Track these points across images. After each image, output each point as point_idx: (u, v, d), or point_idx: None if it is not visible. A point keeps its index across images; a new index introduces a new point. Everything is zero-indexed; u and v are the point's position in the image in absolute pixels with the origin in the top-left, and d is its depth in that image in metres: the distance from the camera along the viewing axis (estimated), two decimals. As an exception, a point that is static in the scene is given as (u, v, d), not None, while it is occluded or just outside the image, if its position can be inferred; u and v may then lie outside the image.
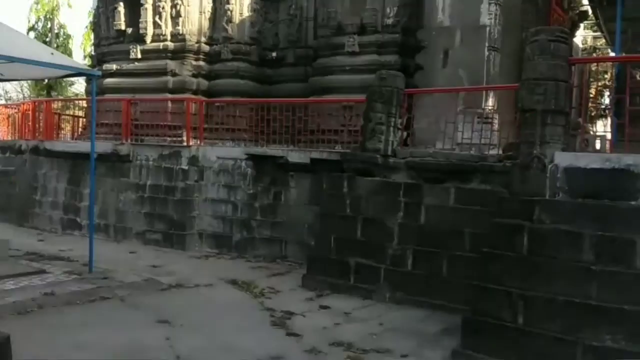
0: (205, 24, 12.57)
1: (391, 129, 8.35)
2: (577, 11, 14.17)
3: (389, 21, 10.91)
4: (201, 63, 12.51)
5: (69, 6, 25.23)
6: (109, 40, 13.26)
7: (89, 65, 14.58)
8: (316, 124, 10.66)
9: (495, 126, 8.93)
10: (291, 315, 6.80)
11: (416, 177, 7.88)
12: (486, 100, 9.45)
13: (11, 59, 7.49)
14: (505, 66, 10.53)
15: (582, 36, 17.65)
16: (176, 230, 10.84)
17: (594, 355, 4.93)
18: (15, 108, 15.06)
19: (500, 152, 8.07)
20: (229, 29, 12.33)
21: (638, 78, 8.17)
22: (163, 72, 12.33)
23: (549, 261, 5.40)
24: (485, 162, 7.54)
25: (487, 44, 9.94)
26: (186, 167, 10.92)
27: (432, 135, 8.42)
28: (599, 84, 17.12)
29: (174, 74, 12.33)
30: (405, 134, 9.06)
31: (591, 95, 12.22)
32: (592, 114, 16.05)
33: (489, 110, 9.25)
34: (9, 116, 14.97)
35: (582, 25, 15.83)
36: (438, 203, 7.60)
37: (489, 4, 9.99)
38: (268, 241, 10.39)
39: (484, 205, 7.03)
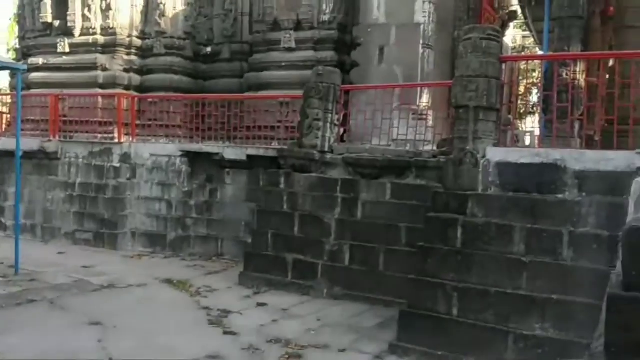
0: (137, 17, 12.22)
1: (328, 125, 8.38)
2: (507, 11, 14.59)
3: (325, 17, 10.91)
4: (133, 58, 12.16)
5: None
6: (35, 33, 12.69)
7: (13, 59, 13.93)
8: (252, 120, 10.56)
9: (430, 122, 9.07)
10: (228, 314, 6.71)
11: (353, 173, 7.92)
12: (421, 97, 9.59)
13: None
14: (439, 63, 10.73)
15: (512, 35, 18.20)
16: (108, 230, 10.52)
17: (524, 344, 5.08)
18: None
19: (435, 147, 8.23)
20: (162, 23, 12.02)
21: (564, 76, 8.48)
22: (93, 66, 11.91)
23: (482, 254, 5.54)
24: (420, 157, 7.66)
25: (421, 42, 10.07)
26: (118, 165, 10.61)
27: (369, 131, 8.47)
28: (528, 81, 17.71)
29: (105, 69, 11.93)
30: (342, 130, 9.09)
31: (521, 93, 12.60)
32: (522, 110, 16.59)
33: (424, 106, 9.39)
34: None
35: (511, 24, 16.31)
36: (374, 198, 7.67)
37: (423, 2, 10.12)
38: (204, 239, 10.23)
39: (419, 200, 7.15)
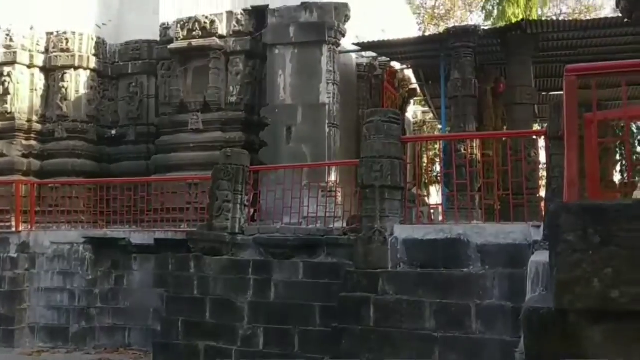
0: (38, 101, 11.88)
1: (238, 206, 8.33)
2: (407, 89, 15.37)
3: (232, 99, 11.05)
4: (33, 142, 11.72)
5: None
6: None
7: None
8: (160, 202, 10.33)
9: (339, 199, 9.23)
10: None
11: (265, 253, 7.86)
12: (329, 174, 9.78)
13: None
14: (345, 141, 11.08)
15: (413, 111, 19.13)
16: (3, 326, 9.75)
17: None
18: None
19: (345, 224, 8.34)
20: (64, 107, 11.74)
21: (462, 151, 8.96)
22: (-11, 152, 11.37)
23: (395, 331, 5.57)
24: (330, 235, 7.72)
25: (327, 121, 10.37)
26: (15, 255, 9.99)
27: (279, 210, 8.49)
28: (430, 153, 18.54)
29: (2, 155, 11.42)
30: (252, 210, 9.06)
31: (424, 164, 13.16)
32: (426, 181, 17.21)
33: (332, 184, 9.57)
34: None
35: (412, 101, 17.16)
36: (287, 278, 7.60)
37: (327, 83, 10.50)
38: (110, 330, 9.70)
39: (332, 279, 7.15)
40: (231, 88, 11.07)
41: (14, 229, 10.29)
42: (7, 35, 11.71)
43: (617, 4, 7.60)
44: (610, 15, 20.71)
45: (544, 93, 14.94)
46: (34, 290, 9.96)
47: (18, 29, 11.77)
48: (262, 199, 9.28)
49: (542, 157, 9.14)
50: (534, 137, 9.18)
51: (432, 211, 8.02)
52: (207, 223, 8.44)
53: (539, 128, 15.90)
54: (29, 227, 10.40)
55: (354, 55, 12.46)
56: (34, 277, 10.01)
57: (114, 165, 12.14)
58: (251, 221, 8.94)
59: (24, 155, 11.56)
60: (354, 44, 11.79)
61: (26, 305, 9.92)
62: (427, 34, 25.03)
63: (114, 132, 12.24)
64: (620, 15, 8.89)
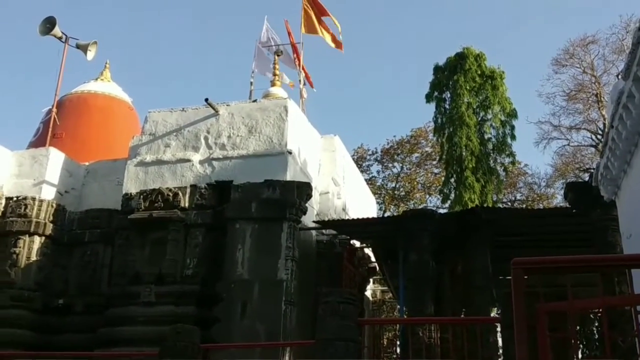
0: (-14, 266, 11.47)
1: (183, 388, 7.76)
2: (367, 267, 15.38)
3: (189, 272, 10.85)
4: (-27, 310, 11.11)
5: None
6: None
7: None
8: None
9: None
10: None
11: None
12: (283, 355, 9.36)
13: None
14: (302, 319, 10.75)
15: (372, 290, 19.03)
16: None
17: None
18: None
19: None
20: (12, 273, 11.35)
21: (420, 334, 8.76)
22: None
23: None
24: None
25: (284, 298, 10.16)
26: None
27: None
28: (390, 334, 18.14)
29: None
30: (199, 392, 8.45)
31: (383, 345, 12.78)
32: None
33: (286, 365, 9.13)
34: None
35: (371, 279, 17.11)
36: None
37: (286, 259, 10.46)
38: None
39: None
40: (188, 260, 10.92)
41: None
42: (-39, 197, 11.59)
43: (565, 196, 7.98)
44: (560, 204, 21.88)
45: (500, 277, 15.10)
46: None
47: (-25, 192, 11.69)
48: (212, 379, 8.73)
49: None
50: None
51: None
52: (149, 406, 7.80)
53: (497, 311, 15.85)
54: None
55: (314, 232, 12.60)
56: None
57: (57, 336, 11.46)
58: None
59: (-39, 324, 10.88)
60: (314, 221, 11.97)
61: None
62: (387, 214, 25.88)
63: (61, 301, 11.75)
64: (568, 205, 9.32)
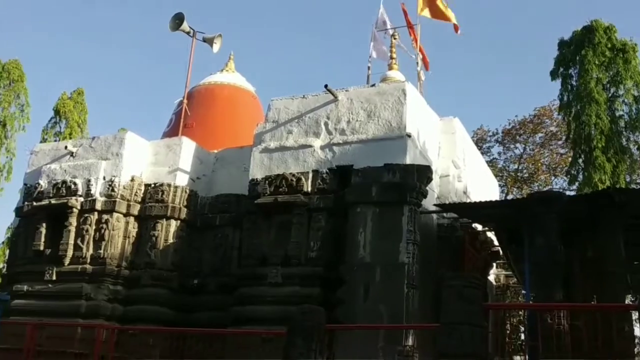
0: (129, 248, 12.53)
1: (311, 365, 8.07)
2: (489, 251, 15.04)
3: (313, 254, 11.17)
4: (119, 287, 12.19)
5: (-10, 224, 24.83)
6: (25, 260, 12.87)
7: (-1, 284, 13.91)
8: (234, 355, 10.20)
9: (416, 364, 8.82)
10: None
11: (336, 420, 7.46)
12: (406, 337, 9.44)
13: None
14: (424, 303, 10.76)
15: (496, 274, 18.56)
16: None
17: None
18: None
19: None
20: (152, 254, 12.29)
21: (549, 321, 8.48)
22: (77, 295, 11.87)
23: None
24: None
25: (405, 281, 10.21)
26: (86, 402, 10.00)
27: (354, 372, 8.19)
28: (514, 320, 17.62)
29: (89, 298, 11.88)
30: (326, 371, 8.76)
31: (507, 332, 12.50)
32: (510, 349, 16.25)
33: (409, 348, 9.19)
34: None
35: (494, 264, 16.71)
36: None
37: (407, 243, 10.48)
38: None
39: None
40: (312, 243, 11.24)
41: (89, 374, 10.37)
42: (110, 185, 12.69)
43: None
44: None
45: (635, 262, 14.21)
46: None
47: (120, 180, 12.73)
48: (336, 358, 8.99)
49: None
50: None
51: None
52: (279, 381, 8.18)
53: (632, 298, 14.95)
54: (104, 374, 10.44)
55: (434, 215, 12.51)
56: None
57: (193, 314, 12.28)
58: (324, 383, 8.60)
59: (109, 300, 11.99)
60: (435, 205, 11.88)
61: None
62: (509, 197, 25.06)
63: (196, 281, 12.54)
64: None
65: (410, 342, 9.38)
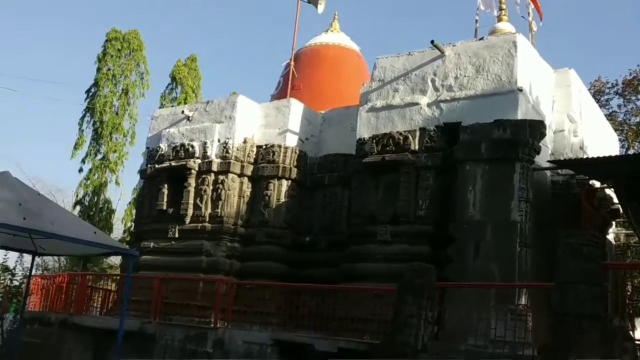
0: (244, 207, 13.12)
1: (422, 322, 8.17)
2: (608, 209, 14.32)
3: (421, 213, 11.18)
4: (236, 245, 12.85)
5: (117, 184, 26.66)
6: (150, 219, 13.83)
7: (127, 241, 15.06)
8: (345, 311, 10.52)
9: (530, 324, 8.68)
10: None
11: (448, 375, 7.56)
12: (519, 297, 9.29)
13: (52, 236, 7.76)
14: (538, 262, 10.49)
15: (615, 233, 17.68)
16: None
17: None
18: (50, 279, 15.34)
19: (535, 353, 7.78)
20: (266, 213, 12.81)
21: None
22: (198, 252, 12.65)
23: None
24: (520, 363, 7.24)
25: (518, 240, 10.00)
26: (211, 351, 10.70)
27: (464, 330, 8.22)
28: (635, 281, 16.79)
29: (209, 254, 12.63)
30: (436, 327, 8.85)
31: (628, 292, 11.95)
32: (630, 312, 15.56)
33: (522, 307, 9.05)
34: (43, 287, 15.19)
35: (614, 222, 15.91)
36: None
37: (520, 200, 10.22)
38: None
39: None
40: (420, 202, 11.24)
41: (212, 325, 11.09)
42: (224, 147, 13.27)
43: None
44: None
45: None
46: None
47: (233, 142, 13.30)
48: (447, 317, 9.05)
49: None
50: None
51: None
52: (390, 337, 8.38)
53: None
54: (225, 324, 11.13)
55: (548, 172, 12.06)
56: (226, 373, 10.56)
57: (305, 270, 12.72)
58: (435, 339, 8.70)
59: (227, 256, 12.69)
60: (549, 161, 11.44)
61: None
62: (630, 151, 23.55)
63: (308, 239, 12.96)
64: None
65: (523, 301, 9.23)
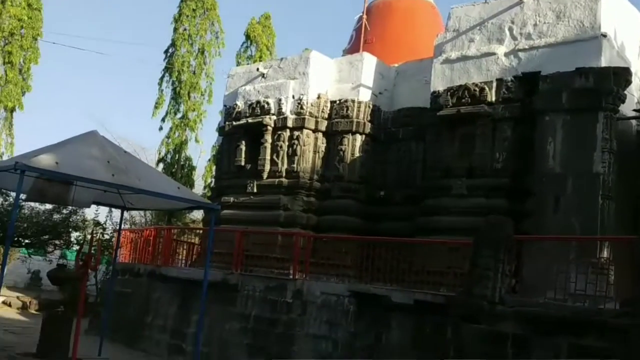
0: (319, 162, 13.32)
1: (499, 275, 8.17)
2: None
3: (498, 165, 11.00)
4: (312, 199, 13.11)
5: (197, 141, 27.46)
6: (229, 175, 14.28)
7: (208, 197, 15.64)
8: (421, 264, 10.61)
9: (612, 278, 8.48)
10: None
11: (525, 327, 7.55)
12: (601, 250, 9.06)
13: (140, 191, 8.17)
14: (622, 215, 10.15)
15: None
16: (274, 365, 10.79)
17: None
18: (138, 233, 16.20)
19: (617, 306, 7.64)
20: (340, 168, 12.96)
21: None
22: (276, 206, 13.00)
23: None
24: (601, 316, 7.14)
25: (601, 192, 9.69)
26: (290, 301, 11.09)
27: (542, 284, 8.14)
28: None
29: (286, 209, 12.96)
30: (513, 281, 8.81)
31: None
32: None
33: (604, 261, 8.84)
34: (132, 240, 16.09)
35: None
36: (548, 358, 7.18)
37: (602, 152, 9.86)
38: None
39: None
40: (497, 154, 11.04)
41: (291, 277, 11.46)
42: (299, 103, 13.44)
43: None
44: None
45: None
46: (304, 335, 10.88)
47: (307, 98, 13.42)
48: (525, 270, 8.98)
49: None
50: None
51: None
52: (466, 289, 8.43)
53: None
54: (304, 276, 11.48)
55: (634, 122, 11.52)
56: (304, 322, 10.95)
57: (380, 224, 12.85)
58: (512, 292, 8.68)
59: (304, 211, 12.99)
60: (635, 110, 10.93)
61: (295, 349, 10.85)
62: None
63: (382, 193, 13.05)
64: None
65: (605, 254, 9.01)
